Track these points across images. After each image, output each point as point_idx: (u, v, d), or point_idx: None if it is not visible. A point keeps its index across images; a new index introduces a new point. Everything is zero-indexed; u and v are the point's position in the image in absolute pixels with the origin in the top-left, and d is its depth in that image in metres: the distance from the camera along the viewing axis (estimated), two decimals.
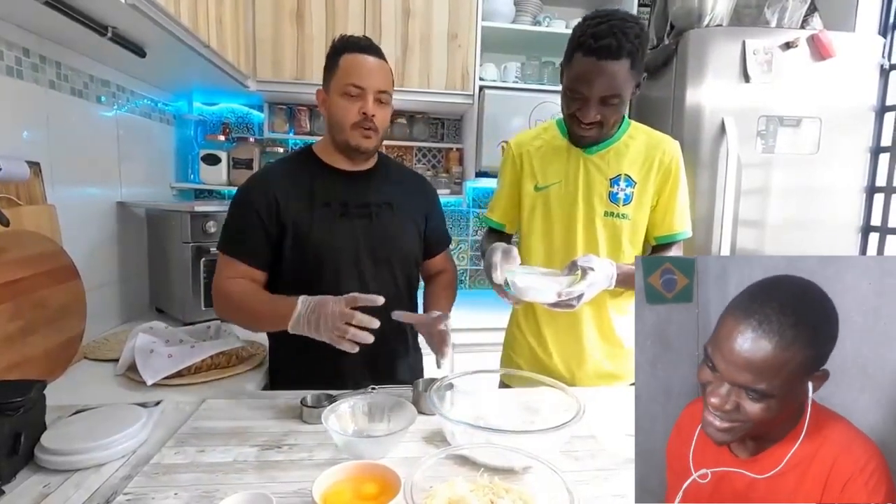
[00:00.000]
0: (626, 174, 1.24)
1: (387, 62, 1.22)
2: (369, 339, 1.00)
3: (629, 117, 1.28)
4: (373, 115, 1.17)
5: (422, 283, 1.44)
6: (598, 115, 1.15)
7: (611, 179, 1.24)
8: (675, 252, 1.30)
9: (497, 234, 1.45)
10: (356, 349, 1.01)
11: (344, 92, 1.16)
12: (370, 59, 1.18)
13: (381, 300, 1.02)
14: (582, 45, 1.11)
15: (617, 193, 1.24)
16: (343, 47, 1.19)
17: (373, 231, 1.23)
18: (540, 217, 1.32)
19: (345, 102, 1.17)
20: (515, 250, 1.16)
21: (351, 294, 1.02)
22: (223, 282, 1.19)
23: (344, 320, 0.99)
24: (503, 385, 1.34)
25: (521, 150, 1.36)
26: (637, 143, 1.25)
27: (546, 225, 1.31)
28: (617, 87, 1.12)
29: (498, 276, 1.10)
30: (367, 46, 1.19)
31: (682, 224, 1.28)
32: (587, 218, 1.26)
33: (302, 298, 1.04)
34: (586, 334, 1.30)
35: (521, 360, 1.41)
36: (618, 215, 1.24)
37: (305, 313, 1.03)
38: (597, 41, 1.08)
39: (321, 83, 1.25)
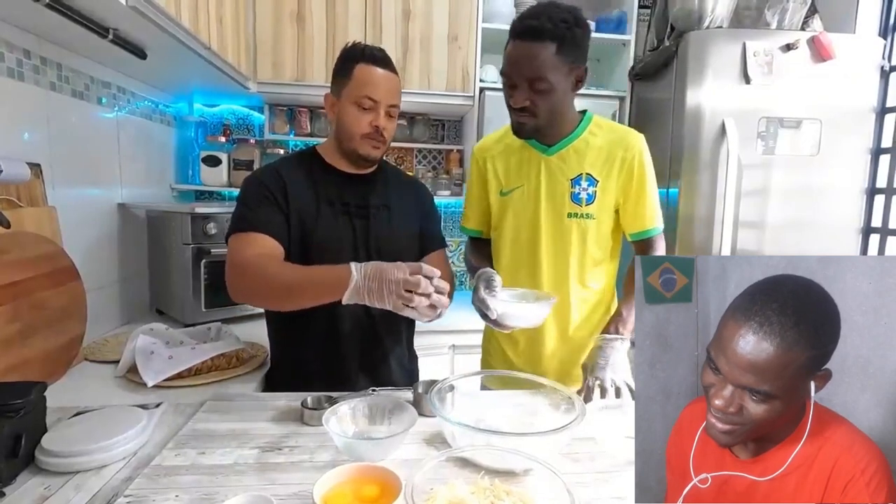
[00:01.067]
0: (587, 173, 1.22)
1: (398, 75, 1.24)
2: (445, 302, 0.97)
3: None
4: (383, 128, 1.20)
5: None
6: (528, 101, 1.14)
7: (571, 180, 1.23)
8: (658, 248, 1.28)
9: (478, 241, 1.45)
10: (428, 318, 0.97)
11: (357, 102, 1.18)
12: (385, 73, 1.20)
13: (438, 272, 0.96)
14: (511, 30, 1.14)
15: (579, 194, 1.23)
16: (359, 56, 1.19)
17: (370, 231, 1.24)
18: (506, 221, 1.32)
19: (357, 112, 1.19)
20: (496, 277, 1.16)
21: (414, 263, 0.96)
22: (245, 256, 1.11)
23: (408, 287, 0.93)
24: (485, 388, 1.35)
25: (483, 156, 1.36)
26: (598, 140, 1.23)
27: (513, 229, 1.31)
28: (540, 70, 1.10)
29: (493, 312, 1.10)
30: (382, 59, 1.21)
31: (652, 220, 1.25)
32: (551, 221, 1.25)
33: (354, 265, 0.96)
34: (546, 339, 1.30)
35: (494, 361, 1.43)
36: (582, 216, 1.23)
37: (364, 282, 0.95)
38: (521, 23, 1.11)
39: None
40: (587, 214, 1.23)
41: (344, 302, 0.97)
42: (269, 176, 1.22)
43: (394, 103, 1.22)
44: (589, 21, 1.20)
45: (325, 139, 1.34)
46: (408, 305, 0.93)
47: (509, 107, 1.19)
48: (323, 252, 1.19)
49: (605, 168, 1.22)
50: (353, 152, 1.22)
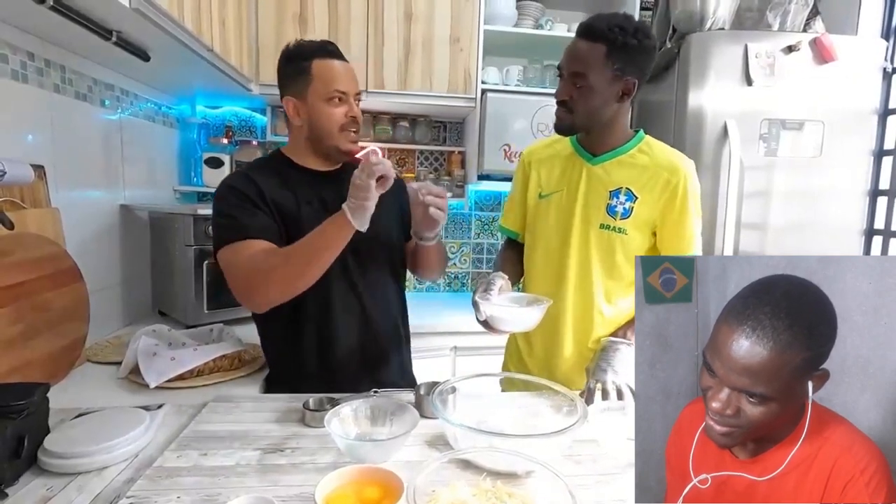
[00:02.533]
0: (627, 187, 1.21)
1: (350, 63, 1.26)
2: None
3: (630, 120, 1.27)
4: (358, 117, 1.23)
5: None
6: (567, 95, 1.16)
7: (611, 191, 1.22)
8: None
9: (511, 245, 1.45)
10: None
11: (329, 98, 1.20)
12: (343, 63, 1.22)
13: (380, 155, 1.06)
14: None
15: (615, 206, 1.21)
16: (310, 54, 1.20)
17: None
18: (539, 224, 1.31)
19: (330, 108, 1.20)
20: (498, 281, 1.17)
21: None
22: (244, 261, 1.11)
23: (367, 173, 1.02)
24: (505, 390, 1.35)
25: (530, 159, 1.37)
26: (646, 159, 1.22)
27: (545, 233, 1.30)
28: (582, 66, 1.12)
29: (480, 314, 1.11)
30: (335, 51, 1.22)
31: (690, 247, 1.23)
32: (582, 228, 1.24)
33: (344, 205, 1.06)
34: (564, 348, 1.29)
35: (510, 362, 1.43)
36: (614, 229, 1.21)
37: (352, 204, 1.04)
38: (583, 23, 1.15)
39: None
40: (620, 228, 1.21)
41: (360, 227, 1.06)
42: (244, 182, 1.20)
43: (358, 91, 1.24)
44: None
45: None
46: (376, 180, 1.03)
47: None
48: None
49: (647, 187, 1.20)
50: (333, 148, 1.23)
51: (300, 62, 1.20)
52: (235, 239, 1.13)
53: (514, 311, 1.14)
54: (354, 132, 1.23)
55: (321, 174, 1.28)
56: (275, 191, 1.20)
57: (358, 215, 1.04)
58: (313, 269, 1.10)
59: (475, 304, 1.12)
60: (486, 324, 1.13)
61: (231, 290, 1.15)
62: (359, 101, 1.25)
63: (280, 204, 1.20)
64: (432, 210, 1.13)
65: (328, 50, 1.21)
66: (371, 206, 1.04)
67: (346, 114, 1.21)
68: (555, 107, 1.21)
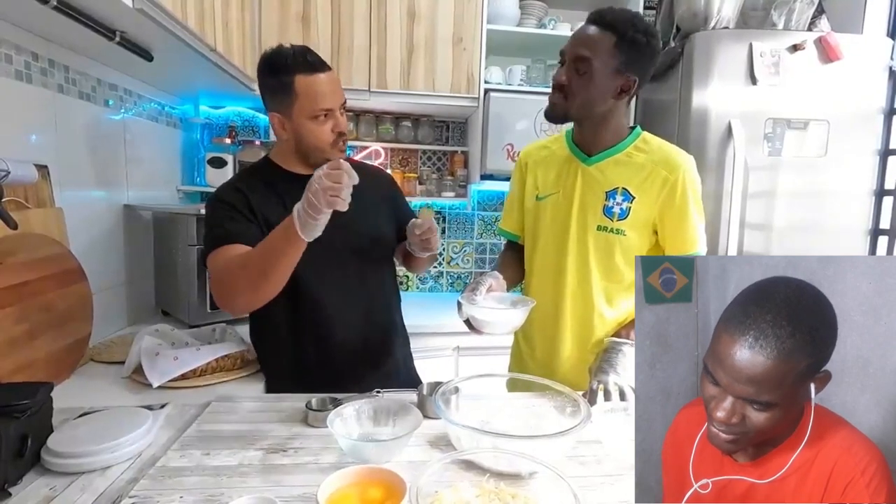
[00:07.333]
0: (623, 188, 1.18)
1: (332, 69, 1.23)
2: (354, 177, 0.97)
3: (633, 119, 1.27)
4: (344, 129, 1.22)
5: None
6: (566, 79, 1.13)
7: (607, 192, 1.20)
8: None
9: (510, 247, 1.44)
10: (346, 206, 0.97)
11: (313, 116, 1.18)
12: (326, 76, 1.19)
13: (355, 177, 0.97)
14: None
15: (612, 207, 1.19)
16: (293, 68, 1.17)
17: (341, 225, 1.23)
18: (538, 227, 1.30)
19: (316, 126, 1.19)
20: (487, 280, 1.16)
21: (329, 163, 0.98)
22: (219, 267, 1.12)
23: (332, 180, 0.95)
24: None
25: (527, 160, 1.35)
26: (642, 157, 1.19)
27: (543, 235, 1.29)
28: (588, 51, 1.10)
29: (462, 314, 1.11)
30: (316, 63, 1.19)
31: (694, 244, 1.20)
32: (579, 231, 1.22)
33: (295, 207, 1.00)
34: (562, 350, 1.28)
35: (514, 362, 1.43)
36: (611, 230, 1.19)
37: (303, 207, 0.97)
38: (593, 12, 1.13)
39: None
40: (618, 230, 1.19)
41: (308, 238, 1.00)
42: (230, 193, 1.21)
43: (343, 102, 1.23)
44: None
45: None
46: (338, 196, 0.95)
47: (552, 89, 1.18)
48: (303, 258, 1.18)
49: (644, 186, 1.18)
50: (324, 161, 1.22)
51: (282, 77, 1.17)
52: (217, 245, 1.14)
53: (492, 312, 1.13)
54: (343, 143, 1.23)
55: (308, 178, 1.27)
56: (262, 199, 1.21)
57: (306, 226, 0.98)
58: (273, 277, 1.07)
59: (458, 304, 1.11)
60: (468, 324, 1.13)
61: None
62: (343, 111, 1.24)
63: (267, 212, 1.20)
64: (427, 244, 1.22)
65: (310, 63, 1.17)
66: (323, 221, 0.99)
67: (333, 129, 1.20)
68: None
